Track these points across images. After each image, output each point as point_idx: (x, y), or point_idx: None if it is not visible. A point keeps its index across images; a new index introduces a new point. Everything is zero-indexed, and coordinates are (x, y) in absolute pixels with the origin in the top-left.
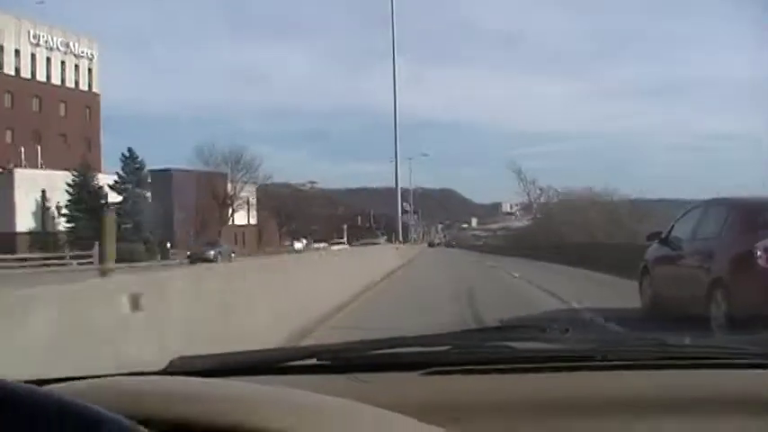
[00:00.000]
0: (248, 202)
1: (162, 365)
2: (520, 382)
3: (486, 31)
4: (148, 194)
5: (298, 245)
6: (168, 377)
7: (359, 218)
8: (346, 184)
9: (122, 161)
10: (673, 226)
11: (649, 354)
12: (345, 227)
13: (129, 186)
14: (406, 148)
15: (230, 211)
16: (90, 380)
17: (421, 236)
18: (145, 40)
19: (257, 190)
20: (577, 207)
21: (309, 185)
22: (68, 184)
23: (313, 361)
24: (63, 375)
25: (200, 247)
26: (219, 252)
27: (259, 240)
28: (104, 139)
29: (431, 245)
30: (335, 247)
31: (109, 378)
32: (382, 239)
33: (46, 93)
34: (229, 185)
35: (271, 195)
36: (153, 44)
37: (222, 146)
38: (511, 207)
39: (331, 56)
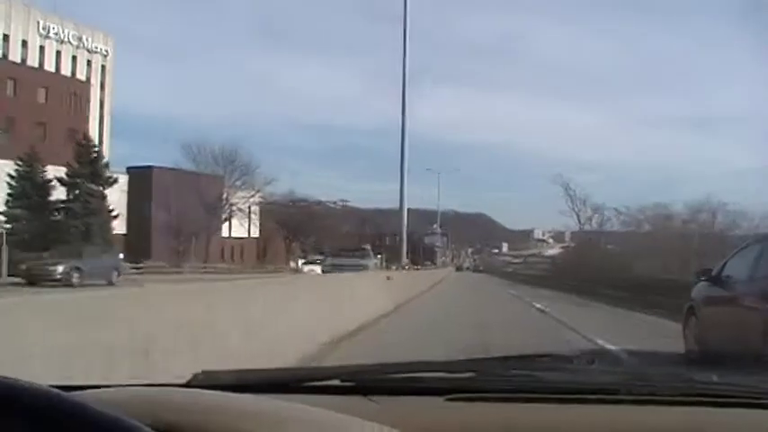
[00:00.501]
0: (249, 211)
1: None
2: (544, 412)
3: (530, 58)
4: (108, 192)
5: (306, 265)
6: (191, 389)
7: (386, 237)
8: (379, 204)
9: (75, 149)
10: (726, 262)
11: (675, 389)
12: (368, 247)
13: (80, 181)
14: (440, 170)
15: (225, 219)
16: (113, 388)
17: (450, 259)
18: (177, 50)
19: (260, 203)
20: (650, 233)
21: (341, 204)
22: (10, 176)
23: (336, 382)
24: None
25: (42, 262)
26: (76, 270)
27: (260, 256)
28: (118, 144)
29: (458, 269)
30: (308, 267)
31: (132, 387)
32: (372, 261)
33: (22, 76)
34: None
35: (281, 208)
36: (185, 55)
37: (215, 144)
38: (543, 234)
39: (372, 75)
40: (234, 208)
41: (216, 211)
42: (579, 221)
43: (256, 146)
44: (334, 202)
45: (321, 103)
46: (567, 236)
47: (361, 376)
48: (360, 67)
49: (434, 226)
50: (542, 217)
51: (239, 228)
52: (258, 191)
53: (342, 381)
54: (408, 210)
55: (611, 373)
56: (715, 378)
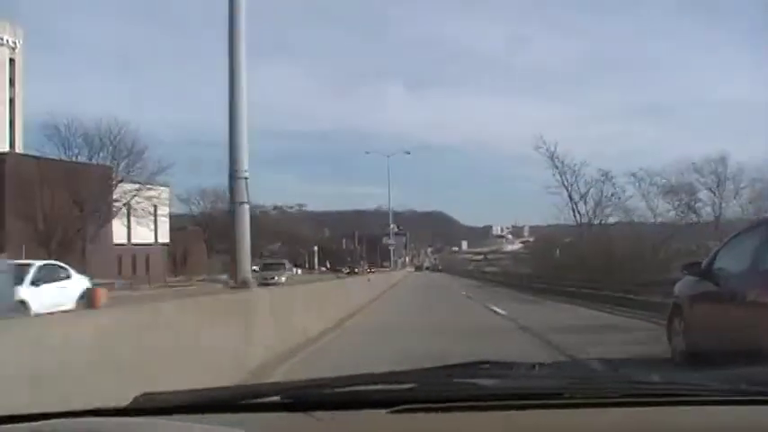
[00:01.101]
0: (155, 212)
1: None
2: (486, 419)
3: (477, 55)
4: None
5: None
6: (127, 419)
7: (343, 240)
8: (337, 207)
9: None
10: (716, 253)
11: (617, 391)
12: (316, 249)
13: None
14: (397, 170)
15: (107, 220)
16: (40, 422)
17: (410, 259)
18: (127, 56)
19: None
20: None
21: (297, 207)
22: None
23: (277, 398)
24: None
25: None
26: None
27: (175, 266)
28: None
29: (418, 268)
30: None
31: (64, 420)
32: (286, 275)
33: None
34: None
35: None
36: (136, 62)
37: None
38: (502, 230)
39: (324, 77)
40: (129, 206)
41: (100, 209)
42: (571, 200)
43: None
44: (291, 207)
45: (276, 106)
46: (526, 231)
47: (302, 392)
48: (313, 71)
49: (391, 226)
50: (500, 213)
51: (148, 233)
52: (148, 184)
53: (282, 398)
54: (367, 211)
55: (555, 377)
56: (657, 378)
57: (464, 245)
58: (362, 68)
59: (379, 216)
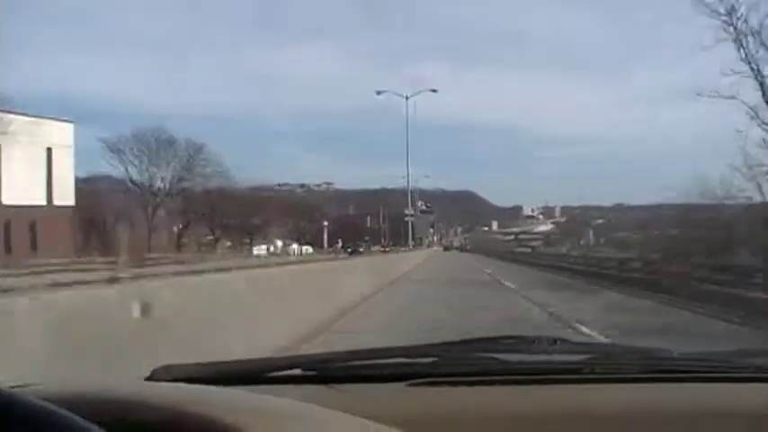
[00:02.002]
0: (49, 160)
1: None
2: (507, 394)
3: (513, 35)
4: None
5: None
6: (146, 383)
7: (368, 218)
8: (366, 185)
9: None
10: None
11: (638, 367)
12: (325, 224)
13: None
14: (427, 150)
15: None
16: (63, 382)
17: (439, 238)
18: (167, 42)
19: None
20: None
21: (325, 186)
22: None
23: (298, 371)
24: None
25: None
26: None
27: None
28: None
29: (447, 248)
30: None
31: (83, 382)
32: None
33: None
34: None
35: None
36: (174, 46)
37: None
38: (532, 210)
39: (354, 57)
40: None
41: None
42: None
43: (239, 133)
44: (318, 185)
45: (308, 87)
46: (558, 211)
47: (322, 365)
48: (346, 51)
49: (419, 203)
50: (531, 192)
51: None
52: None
53: (303, 370)
54: (396, 190)
55: (574, 353)
56: (677, 354)
57: (494, 225)
58: (404, 47)
59: (403, 195)
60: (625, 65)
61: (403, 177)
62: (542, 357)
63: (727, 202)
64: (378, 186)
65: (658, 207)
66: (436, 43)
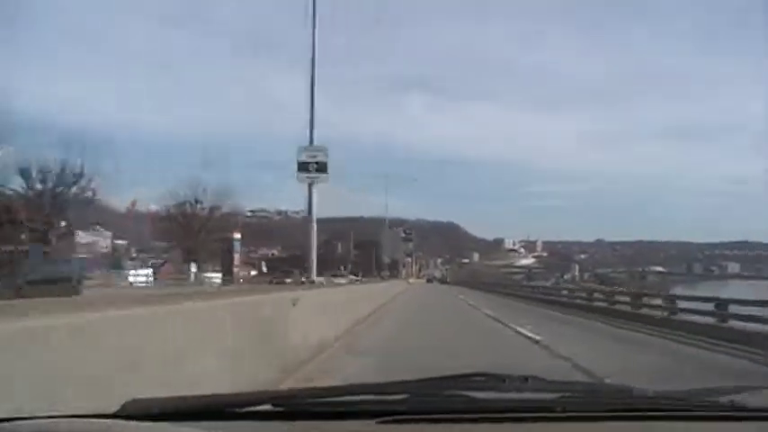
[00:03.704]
0: None
1: None
2: None
3: (499, 67)
4: None
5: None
6: (117, 421)
7: (338, 245)
8: (345, 213)
9: None
10: None
11: (610, 405)
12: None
13: None
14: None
15: None
16: (35, 420)
17: (418, 269)
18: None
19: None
20: None
21: (304, 213)
22: None
23: (268, 407)
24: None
25: None
26: None
27: None
28: None
29: (429, 280)
30: None
31: (54, 420)
32: None
33: None
34: None
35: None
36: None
37: None
38: (513, 243)
39: (345, 86)
40: None
41: None
42: None
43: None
44: (297, 212)
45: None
46: (539, 245)
47: (292, 401)
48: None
49: (398, 230)
50: (513, 226)
51: None
52: None
53: (273, 406)
54: (373, 219)
55: (546, 391)
56: (650, 392)
57: (475, 257)
58: (387, 78)
59: (391, 224)
60: (608, 102)
61: (392, 210)
62: (514, 395)
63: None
64: (357, 215)
65: (640, 243)
66: (423, 75)
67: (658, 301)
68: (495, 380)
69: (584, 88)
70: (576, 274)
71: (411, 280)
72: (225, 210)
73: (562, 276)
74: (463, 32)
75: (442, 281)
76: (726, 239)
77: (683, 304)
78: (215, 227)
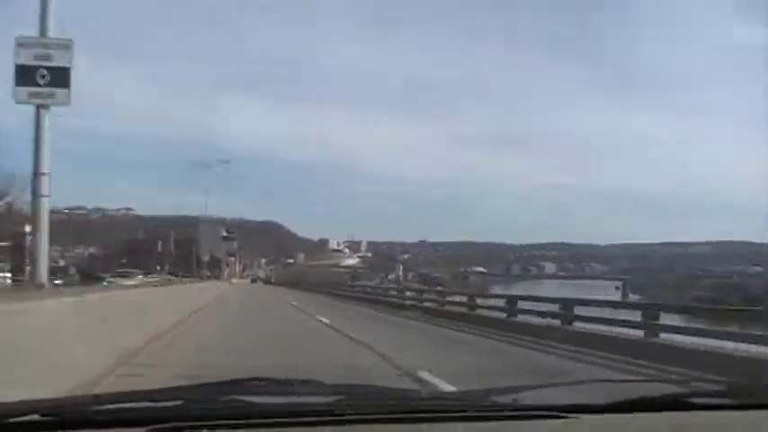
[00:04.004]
0: None
1: None
2: None
3: (327, 70)
4: None
5: None
6: None
7: (159, 243)
8: (172, 212)
9: None
10: None
11: (386, 407)
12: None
13: None
14: (231, 180)
15: None
16: None
17: (242, 269)
18: None
19: None
20: None
21: (125, 211)
22: None
23: (36, 416)
24: None
25: None
26: None
27: None
28: None
29: (254, 280)
30: None
31: None
32: None
33: None
34: None
35: None
36: None
37: None
38: (338, 244)
39: (175, 84)
40: None
41: None
42: None
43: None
44: (117, 210)
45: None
46: (364, 246)
47: (61, 410)
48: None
49: (220, 229)
50: (337, 226)
51: None
52: None
53: (41, 415)
54: (198, 217)
55: (325, 394)
56: (425, 394)
57: (300, 257)
58: (218, 79)
59: (214, 223)
60: (433, 108)
61: (213, 208)
62: (294, 399)
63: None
64: (182, 213)
65: (462, 244)
66: (251, 75)
67: (463, 299)
68: (274, 384)
69: (408, 93)
70: (401, 273)
71: (234, 280)
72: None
73: (386, 276)
74: (286, 36)
75: (267, 281)
76: (542, 241)
77: (485, 301)
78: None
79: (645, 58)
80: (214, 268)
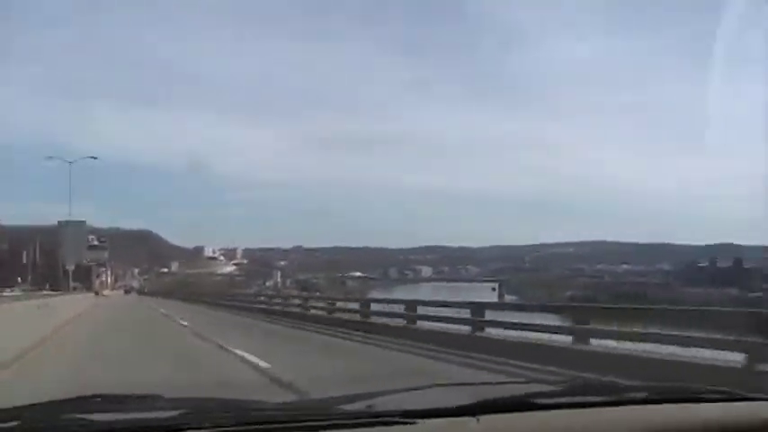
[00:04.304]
0: None
1: None
2: None
3: (201, 78)
4: None
5: None
6: None
7: (23, 254)
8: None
9: None
10: None
11: (231, 419)
12: None
13: None
14: (104, 189)
15: None
16: None
17: (114, 280)
18: None
19: None
20: None
21: None
22: None
23: None
24: None
25: None
26: None
27: None
28: None
29: (127, 291)
30: None
31: None
32: None
33: None
34: None
35: None
36: None
37: None
38: (214, 251)
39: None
40: None
41: None
42: None
43: None
44: None
45: None
46: (239, 253)
47: None
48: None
49: (90, 238)
50: (212, 233)
51: None
52: None
53: None
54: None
55: (167, 409)
56: (271, 405)
57: (174, 266)
58: (76, 85)
59: (80, 228)
60: (297, 112)
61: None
62: (135, 415)
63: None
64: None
65: (337, 249)
66: (105, 79)
67: (322, 304)
68: (112, 401)
69: (271, 98)
70: (279, 280)
71: (106, 292)
72: None
73: (264, 283)
74: (154, 41)
75: (141, 291)
76: (417, 245)
77: (347, 305)
78: None
79: (509, 68)
80: (85, 280)
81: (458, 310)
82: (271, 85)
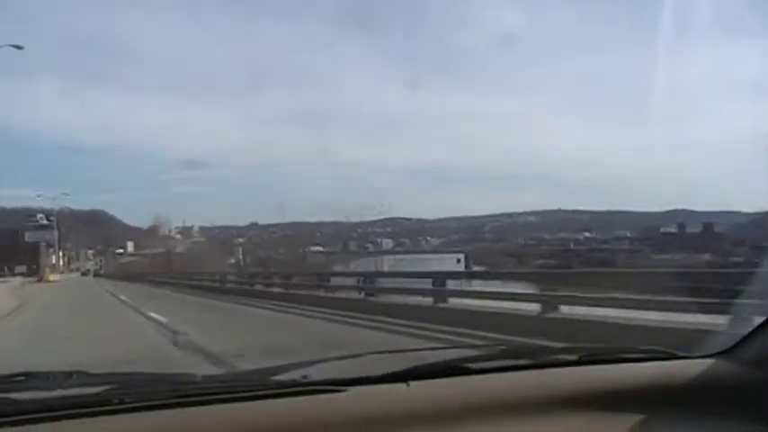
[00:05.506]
0: None
1: None
2: None
3: (145, 55)
4: None
5: None
6: None
7: None
8: None
9: None
10: None
11: (159, 394)
12: None
13: None
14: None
15: None
16: None
17: (67, 261)
18: None
19: None
20: None
21: None
22: None
23: None
24: None
25: None
26: None
27: None
28: None
29: (84, 273)
30: None
31: None
32: None
33: None
34: None
35: None
36: None
37: None
38: (170, 230)
39: None
40: None
41: None
42: None
43: None
44: None
45: None
46: (196, 231)
47: None
48: None
49: (39, 216)
50: (168, 212)
51: None
52: None
53: None
54: (15, 210)
55: (93, 385)
56: (200, 377)
57: (130, 246)
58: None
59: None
60: (249, 91)
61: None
62: (60, 392)
63: None
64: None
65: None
66: (55, 60)
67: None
68: (35, 378)
69: (220, 77)
70: (240, 257)
71: (55, 276)
72: None
73: (225, 262)
74: (97, 19)
75: (97, 273)
76: (375, 218)
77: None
78: None
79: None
80: (32, 261)
81: (419, 280)
82: (214, 62)
